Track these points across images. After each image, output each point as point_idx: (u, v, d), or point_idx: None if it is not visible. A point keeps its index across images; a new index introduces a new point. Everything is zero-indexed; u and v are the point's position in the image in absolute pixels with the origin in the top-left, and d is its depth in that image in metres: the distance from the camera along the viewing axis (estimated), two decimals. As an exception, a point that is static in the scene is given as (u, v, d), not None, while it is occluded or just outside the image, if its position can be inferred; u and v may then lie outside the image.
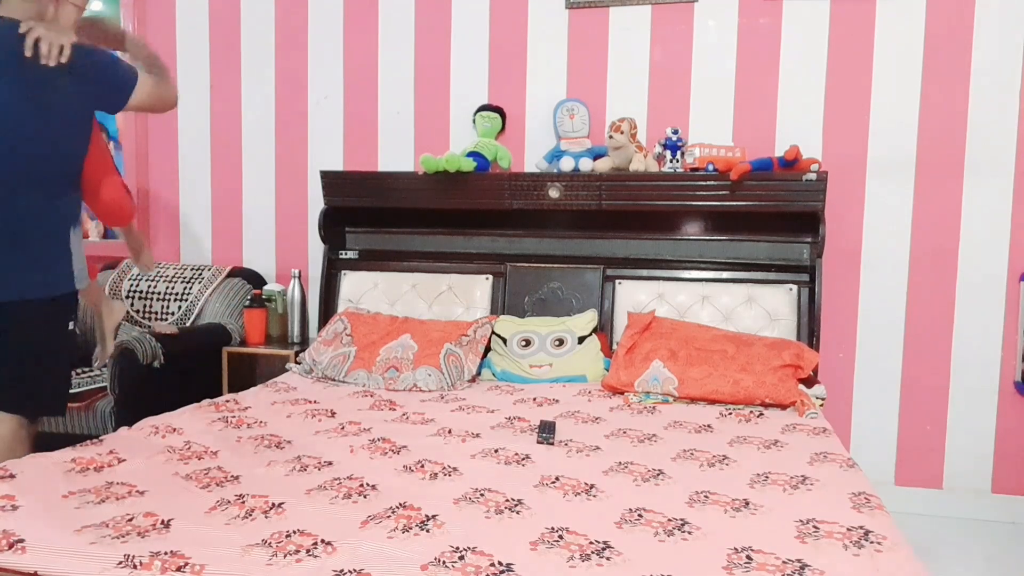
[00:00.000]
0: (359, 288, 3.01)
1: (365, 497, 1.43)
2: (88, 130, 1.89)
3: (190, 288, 3.13)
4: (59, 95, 1.77)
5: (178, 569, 1.11)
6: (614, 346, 2.68)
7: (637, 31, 2.93)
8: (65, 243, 1.85)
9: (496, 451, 1.74)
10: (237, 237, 3.42)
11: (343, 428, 1.94)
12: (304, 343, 3.05)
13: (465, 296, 2.90)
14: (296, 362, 2.76)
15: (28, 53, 1.66)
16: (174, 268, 3.24)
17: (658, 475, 1.59)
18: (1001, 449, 2.75)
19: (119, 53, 2.04)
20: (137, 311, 3.11)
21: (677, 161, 2.74)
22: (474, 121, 3.02)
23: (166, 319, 3.08)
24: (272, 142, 3.35)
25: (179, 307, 3.09)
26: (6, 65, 1.69)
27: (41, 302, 1.81)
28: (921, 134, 2.75)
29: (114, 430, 1.95)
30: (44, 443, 1.94)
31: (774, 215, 2.68)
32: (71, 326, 1.91)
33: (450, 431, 1.91)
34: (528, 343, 2.61)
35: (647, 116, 2.94)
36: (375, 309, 2.90)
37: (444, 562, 1.14)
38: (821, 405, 2.27)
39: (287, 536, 1.23)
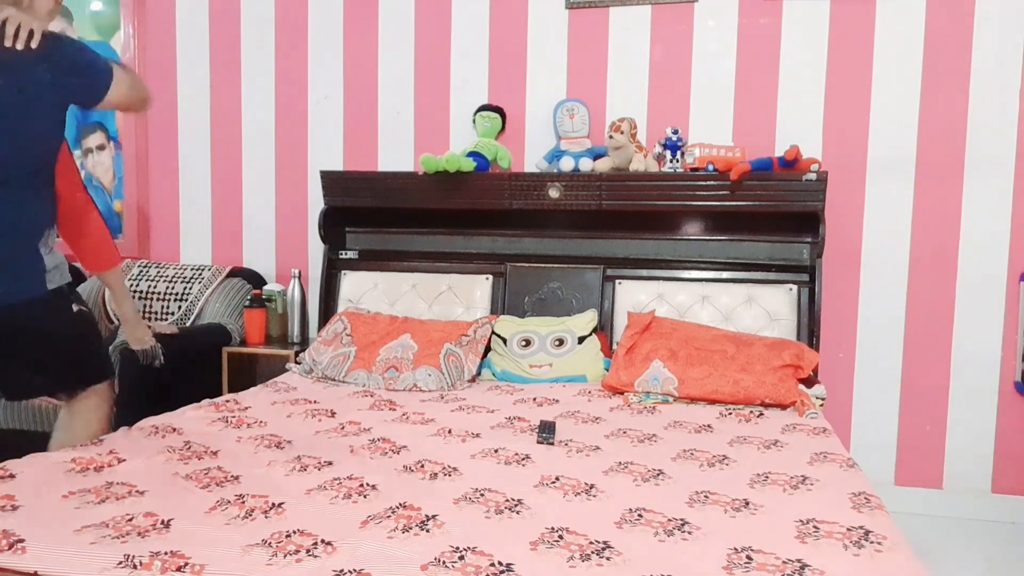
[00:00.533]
0: (359, 288, 3.01)
1: (365, 497, 1.43)
2: (63, 122, 1.83)
3: (190, 288, 3.13)
4: (35, 85, 1.70)
5: (178, 569, 1.11)
6: (614, 346, 2.68)
7: (637, 31, 2.93)
8: (39, 241, 1.82)
9: (496, 451, 1.74)
10: (237, 237, 3.42)
11: (343, 428, 1.94)
12: (304, 343, 3.05)
13: (465, 296, 2.90)
14: (296, 362, 2.76)
15: None
16: (174, 268, 3.24)
17: (658, 475, 1.59)
18: (1001, 449, 2.75)
19: None
20: (137, 311, 3.11)
21: (677, 161, 2.74)
22: (474, 121, 3.02)
23: (166, 319, 3.08)
24: (272, 142, 3.35)
25: (179, 307, 3.09)
26: None
27: (42, 299, 1.80)
28: (921, 134, 2.75)
29: (114, 430, 1.95)
30: (44, 443, 1.95)
31: (774, 215, 2.68)
32: (75, 308, 1.94)
33: (450, 431, 1.91)
34: (528, 343, 2.61)
35: (647, 116, 2.94)
36: (375, 309, 2.90)
37: (444, 562, 1.14)
38: (821, 405, 2.27)
39: (287, 536, 1.23)
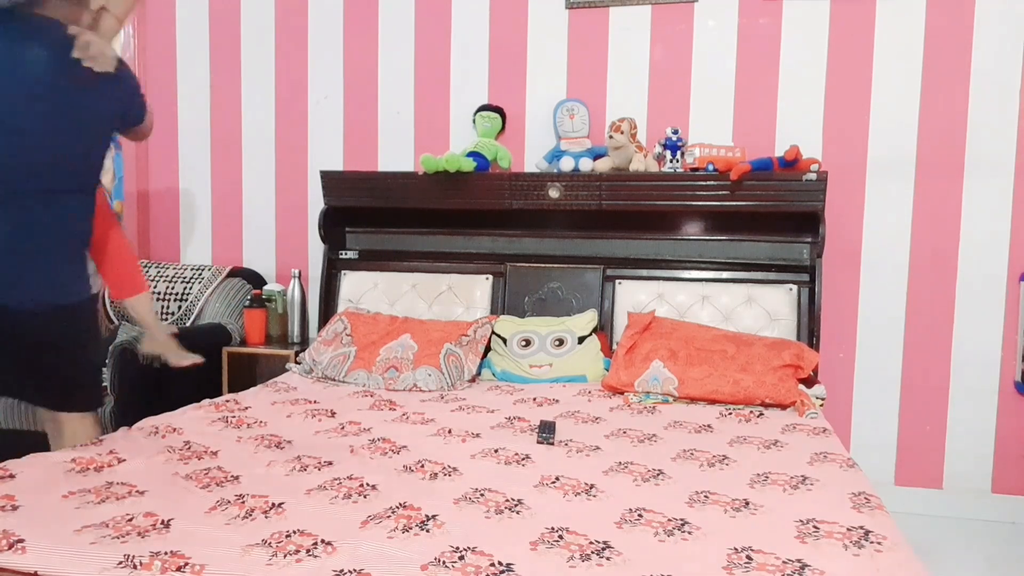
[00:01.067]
0: (359, 288, 3.01)
1: (365, 497, 1.43)
2: (109, 144, 1.94)
3: (190, 288, 3.13)
4: (106, 103, 1.82)
5: (178, 569, 1.11)
6: (614, 346, 2.68)
7: (637, 31, 2.93)
8: (87, 247, 1.92)
9: (496, 451, 1.74)
10: (237, 237, 3.42)
11: (343, 428, 1.94)
12: (304, 343, 3.05)
13: (465, 296, 2.90)
14: (296, 362, 2.76)
15: (78, 55, 1.69)
16: (174, 268, 3.24)
17: (658, 475, 1.59)
18: (1001, 449, 2.75)
19: None
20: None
21: (677, 161, 2.74)
22: (474, 121, 3.02)
23: (166, 319, 3.08)
24: (272, 142, 3.35)
25: (179, 307, 3.09)
26: (58, 65, 1.70)
27: (83, 304, 1.88)
28: (921, 134, 2.75)
29: (114, 430, 1.95)
30: (45, 443, 1.95)
31: (774, 215, 2.68)
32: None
33: (450, 431, 1.91)
34: (528, 343, 2.61)
35: (647, 116, 2.94)
36: (375, 309, 2.91)
37: (444, 562, 1.14)
38: (821, 405, 2.27)
39: (287, 536, 1.23)
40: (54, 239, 1.77)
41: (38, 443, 1.90)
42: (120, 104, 1.86)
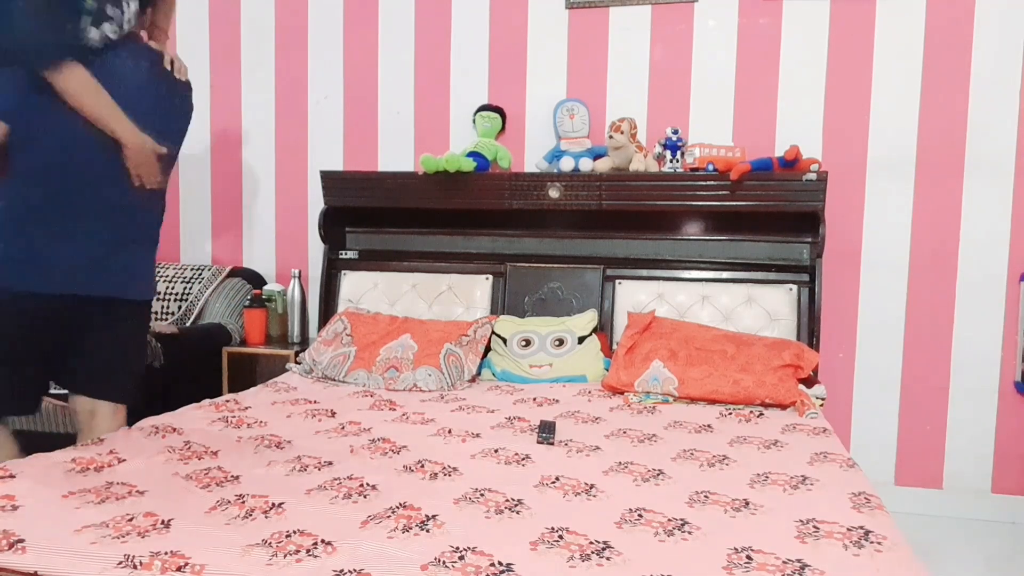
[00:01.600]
0: (359, 288, 3.01)
1: (365, 497, 1.43)
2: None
3: (190, 288, 3.13)
4: (182, 110, 2.01)
5: (178, 569, 1.11)
6: (614, 346, 2.68)
7: (637, 31, 2.93)
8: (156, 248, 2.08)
9: (496, 451, 1.74)
10: (237, 237, 3.42)
11: (343, 428, 1.94)
12: (304, 343, 3.05)
13: (465, 296, 2.90)
14: (296, 362, 2.76)
15: (168, 65, 1.92)
16: (174, 268, 3.24)
17: (658, 475, 1.59)
18: (1001, 449, 2.75)
19: None
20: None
21: (677, 161, 2.75)
22: (474, 121, 3.02)
23: (166, 319, 3.08)
24: (272, 142, 3.35)
25: (179, 307, 3.09)
26: (158, 77, 1.89)
27: (151, 302, 2.06)
28: (921, 134, 2.75)
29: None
30: (44, 443, 1.94)
31: (774, 215, 2.68)
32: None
33: (450, 431, 1.91)
34: (528, 343, 2.61)
35: (647, 116, 2.94)
36: (375, 309, 2.91)
37: (444, 562, 1.14)
38: (821, 405, 2.27)
39: (287, 536, 1.23)
40: (145, 239, 1.95)
41: (38, 443, 1.90)
42: (192, 110, 2.05)
